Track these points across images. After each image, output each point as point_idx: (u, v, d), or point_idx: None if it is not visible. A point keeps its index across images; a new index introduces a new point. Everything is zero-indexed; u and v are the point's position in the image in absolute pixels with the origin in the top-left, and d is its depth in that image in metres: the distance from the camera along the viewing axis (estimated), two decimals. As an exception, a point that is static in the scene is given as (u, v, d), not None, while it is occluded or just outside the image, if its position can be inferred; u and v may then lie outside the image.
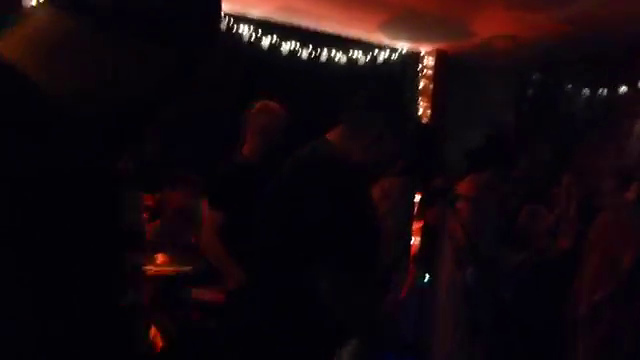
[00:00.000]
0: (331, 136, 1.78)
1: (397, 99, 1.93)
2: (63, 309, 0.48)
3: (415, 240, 5.82)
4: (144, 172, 4.26)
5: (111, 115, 0.60)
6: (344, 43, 6.12)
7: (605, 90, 5.93)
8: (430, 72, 6.58)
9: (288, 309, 1.63)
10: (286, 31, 5.83)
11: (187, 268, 3.53)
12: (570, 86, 6.31)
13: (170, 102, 0.66)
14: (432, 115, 6.49)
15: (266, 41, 5.75)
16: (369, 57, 6.24)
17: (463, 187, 3.31)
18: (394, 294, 4.21)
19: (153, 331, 3.19)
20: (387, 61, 6.36)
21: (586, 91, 6.14)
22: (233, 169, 2.71)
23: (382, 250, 1.88)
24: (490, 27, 5.61)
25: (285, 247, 1.64)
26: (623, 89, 5.72)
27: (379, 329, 1.74)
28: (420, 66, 6.59)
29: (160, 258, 3.87)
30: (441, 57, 6.52)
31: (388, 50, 6.36)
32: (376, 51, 6.28)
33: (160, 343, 3.16)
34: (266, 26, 5.74)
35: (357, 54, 6.18)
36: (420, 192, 5.47)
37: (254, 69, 5.71)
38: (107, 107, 0.60)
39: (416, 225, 5.68)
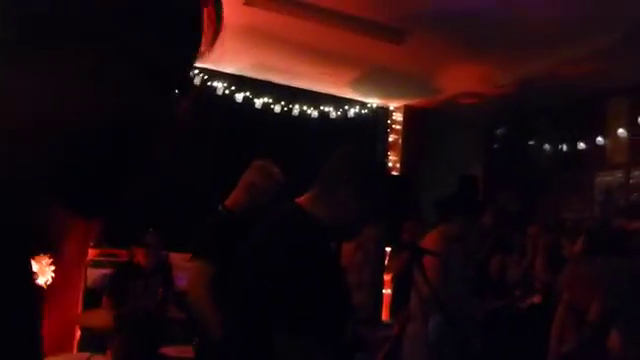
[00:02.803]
0: (302, 199, 1.81)
1: (368, 161, 1.94)
2: None
3: (387, 291, 5.84)
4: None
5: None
6: (316, 98, 6.29)
7: (565, 144, 6.18)
8: (399, 127, 6.77)
9: None
10: (260, 86, 5.97)
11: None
12: (533, 141, 6.56)
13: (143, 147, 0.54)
14: (401, 168, 6.64)
15: (240, 95, 5.87)
16: (340, 111, 6.41)
17: (429, 240, 3.35)
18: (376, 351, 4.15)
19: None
20: (358, 115, 6.53)
21: (548, 145, 6.39)
22: (217, 221, 2.70)
23: (350, 308, 1.87)
24: (455, 84, 5.86)
25: (248, 307, 1.65)
26: (582, 144, 5.97)
27: None
28: (389, 121, 6.79)
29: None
30: (409, 112, 6.74)
31: (358, 105, 6.55)
32: (346, 106, 6.46)
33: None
34: (240, 81, 5.88)
35: (329, 108, 6.34)
36: (390, 243, 5.53)
37: (229, 123, 5.83)
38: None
39: (387, 276, 5.71)
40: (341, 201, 1.75)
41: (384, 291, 5.89)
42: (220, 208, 2.75)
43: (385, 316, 5.70)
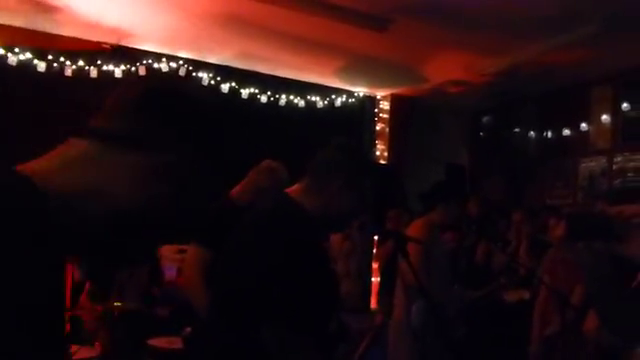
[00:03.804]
0: (293, 191, 1.81)
1: (361, 154, 1.94)
2: None
3: (376, 279, 5.89)
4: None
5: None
6: (302, 87, 6.28)
7: (550, 131, 6.23)
8: (386, 116, 6.78)
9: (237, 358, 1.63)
10: (246, 77, 5.95)
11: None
12: (518, 128, 6.61)
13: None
14: (389, 157, 6.67)
15: (226, 86, 5.85)
16: (327, 101, 6.41)
17: (413, 229, 3.38)
18: (359, 341, 4.18)
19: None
20: (345, 105, 6.53)
21: (533, 132, 6.44)
22: (218, 209, 2.73)
23: (338, 299, 1.88)
24: (442, 73, 5.87)
25: (235, 299, 1.64)
26: (566, 131, 6.02)
27: None
28: (376, 110, 6.80)
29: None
30: (396, 101, 6.75)
31: (345, 94, 6.55)
32: (333, 95, 6.46)
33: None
34: (226, 72, 5.86)
35: (315, 98, 6.34)
36: (377, 232, 5.57)
37: (215, 114, 5.79)
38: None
39: (376, 264, 5.76)
40: (333, 193, 1.75)
41: (373, 279, 5.93)
42: (224, 197, 2.78)
43: (374, 304, 5.76)
